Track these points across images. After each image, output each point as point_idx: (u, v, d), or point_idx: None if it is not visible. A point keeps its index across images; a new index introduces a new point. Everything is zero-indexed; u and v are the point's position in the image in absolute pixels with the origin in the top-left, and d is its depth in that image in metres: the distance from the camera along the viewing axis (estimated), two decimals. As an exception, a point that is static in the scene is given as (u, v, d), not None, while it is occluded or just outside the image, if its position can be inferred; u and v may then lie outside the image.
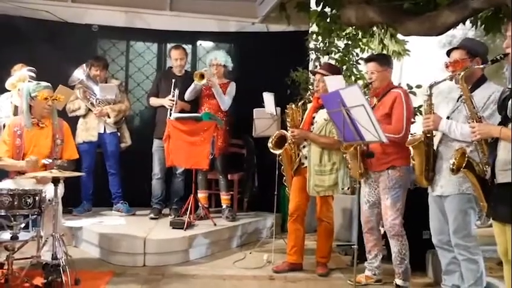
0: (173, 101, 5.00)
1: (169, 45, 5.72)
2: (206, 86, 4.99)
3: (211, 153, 4.74)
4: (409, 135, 3.54)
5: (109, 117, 5.15)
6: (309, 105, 4.21)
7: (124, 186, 5.36)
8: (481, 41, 3.22)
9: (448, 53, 3.11)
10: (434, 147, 3.12)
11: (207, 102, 5.07)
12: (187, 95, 5.06)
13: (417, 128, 3.71)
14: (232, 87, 5.10)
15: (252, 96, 4.99)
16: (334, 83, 3.68)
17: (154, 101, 5.24)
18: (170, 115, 4.90)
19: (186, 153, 4.64)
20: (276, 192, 4.50)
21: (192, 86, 5.00)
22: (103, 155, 5.27)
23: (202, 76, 4.86)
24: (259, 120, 4.86)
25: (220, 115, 5.00)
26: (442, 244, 3.17)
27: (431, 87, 3.00)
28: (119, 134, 5.29)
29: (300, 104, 4.15)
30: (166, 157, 4.76)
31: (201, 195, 5.14)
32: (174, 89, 5.03)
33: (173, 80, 5.06)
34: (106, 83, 5.29)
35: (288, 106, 4.16)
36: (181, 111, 5.02)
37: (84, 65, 5.18)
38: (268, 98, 4.69)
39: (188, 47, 6.07)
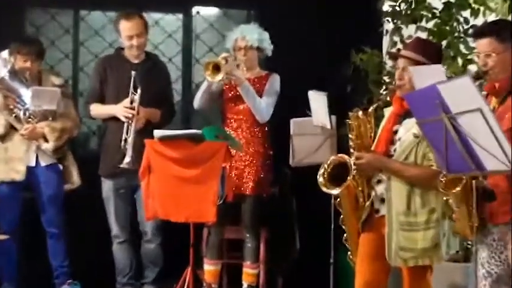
0: (133, 108, 5.05)
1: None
2: (228, 84, 5.17)
3: (221, 196, 4.77)
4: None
5: (46, 140, 5.21)
6: (386, 111, 4.17)
7: (73, 255, 5.38)
8: None
9: None
10: None
11: (232, 111, 5.27)
12: (198, 101, 5.25)
13: None
14: (274, 83, 5.28)
15: (287, 98, 5.03)
16: (428, 77, 3.64)
17: (99, 110, 5.31)
18: (127, 133, 4.98)
19: (179, 197, 4.71)
20: (331, 261, 4.47)
21: (204, 85, 5.18)
22: (35, 203, 5.33)
23: (216, 67, 4.97)
24: (301, 139, 4.78)
25: (255, 130, 5.20)
26: None
27: None
28: (61, 167, 5.35)
29: (371, 109, 4.09)
30: (145, 204, 4.81)
31: (210, 267, 5.18)
32: (134, 89, 5.07)
33: (132, 73, 5.09)
34: (40, 82, 5.33)
35: (351, 114, 4.10)
36: (148, 124, 5.07)
37: (5, 52, 5.21)
38: (318, 100, 4.57)
39: (178, 17, 6.18)
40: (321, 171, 4.11)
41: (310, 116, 4.72)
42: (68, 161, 5.40)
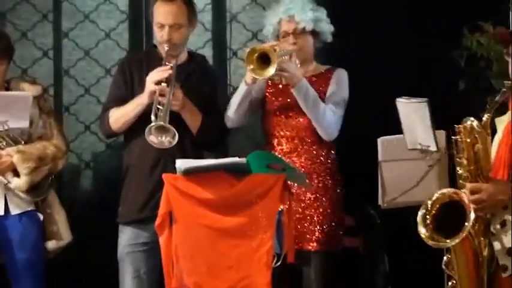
0: (168, 73, 5.06)
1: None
2: (276, 82, 5.22)
3: (277, 255, 4.73)
4: None
5: (16, 174, 5.23)
6: (500, 122, 4.23)
7: None
8: None
9: None
10: None
11: (281, 127, 5.24)
12: (233, 115, 5.23)
13: None
14: (341, 82, 5.26)
15: (372, 106, 5.03)
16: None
17: (120, 111, 5.27)
18: (159, 110, 4.93)
19: (216, 257, 4.67)
20: None
21: (242, 89, 5.19)
22: (4, 268, 5.35)
23: (264, 58, 4.97)
24: (394, 167, 4.84)
25: (319, 154, 5.16)
26: None
27: None
28: (41, 217, 5.36)
29: (486, 117, 4.11)
30: (165, 269, 4.75)
31: None
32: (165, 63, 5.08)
33: (166, 48, 5.14)
34: (8, 89, 5.35)
35: (459, 126, 4.09)
36: (185, 137, 5.04)
37: None
38: (413, 111, 4.58)
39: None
40: (421, 214, 4.13)
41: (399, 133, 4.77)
42: (52, 207, 5.37)
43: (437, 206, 4.13)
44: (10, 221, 5.26)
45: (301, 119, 5.13)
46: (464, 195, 4.06)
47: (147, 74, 5.22)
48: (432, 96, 4.60)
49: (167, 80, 5.02)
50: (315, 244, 5.07)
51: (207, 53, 6.23)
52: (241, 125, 5.33)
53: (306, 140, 5.14)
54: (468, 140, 4.07)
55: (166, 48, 5.22)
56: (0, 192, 5.26)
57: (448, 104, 4.82)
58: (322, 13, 5.23)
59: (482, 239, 4.08)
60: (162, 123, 4.85)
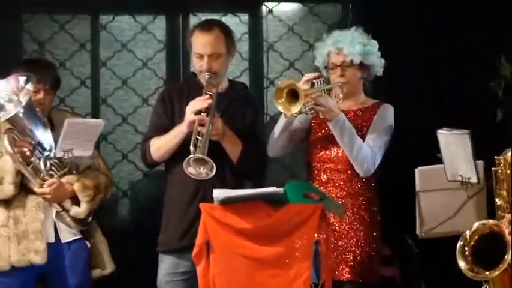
0: (208, 103, 5.00)
1: (193, 20, 5.90)
2: (317, 118, 5.19)
3: (315, 285, 4.73)
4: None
5: (76, 203, 5.24)
6: None
7: None
8: None
9: None
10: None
11: (320, 157, 5.21)
12: (274, 145, 5.23)
13: None
14: (385, 117, 5.21)
15: (405, 136, 5.02)
16: None
17: (161, 141, 5.21)
18: (198, 140, 4.89)
19: (254, 287, 4.64)
20: None
21: (282, 120, 5.17)
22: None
23: (293, 94, 4.97)
24: (432, 197, 4.82)
25: (357, 187, 5.09)
26: None
27: None
28: (88, 244, 5.35)
29: None
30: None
31: None
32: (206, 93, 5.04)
33: (206, 77, 5.08)
34: (52, 124, 5.24)
35: (499, 158, 4.10)
36: (223, 167, 5.00)
37: (23, 78, 4.85)
38: (455, 143, 4.58)
39: (242, 20, 6.24)
40: (460, 245, 4.15)
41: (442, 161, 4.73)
42: (95, 237, 5.38)
43: (476, 236, 4.10)
44: (61, 248, 5.24)
45: (339, 152, 5.09)
46: (505, 227, 4.04)
47: (187, 103, 5.16)
48: (470, 127, 4.60)
49: (207, 110, 4.93)
50: (347, 274, 5.03)
51: (244, 82, 6.16)
52: (283, 155, 5.34)
53: (344, 172, 5.10)
54: (508, 172, 4.05)
55: (206, 77, 5.15)
56: (51, 219, 5.22)
57: (486, 134, 4.78)
58: (373, 47, 5.19)
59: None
60: (200, 155, 4.80)
